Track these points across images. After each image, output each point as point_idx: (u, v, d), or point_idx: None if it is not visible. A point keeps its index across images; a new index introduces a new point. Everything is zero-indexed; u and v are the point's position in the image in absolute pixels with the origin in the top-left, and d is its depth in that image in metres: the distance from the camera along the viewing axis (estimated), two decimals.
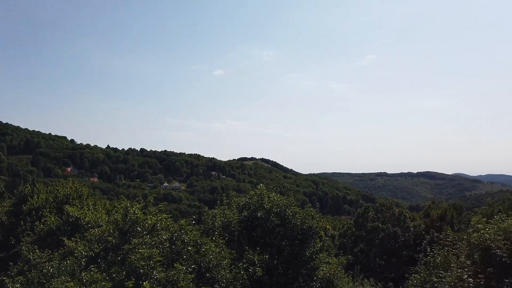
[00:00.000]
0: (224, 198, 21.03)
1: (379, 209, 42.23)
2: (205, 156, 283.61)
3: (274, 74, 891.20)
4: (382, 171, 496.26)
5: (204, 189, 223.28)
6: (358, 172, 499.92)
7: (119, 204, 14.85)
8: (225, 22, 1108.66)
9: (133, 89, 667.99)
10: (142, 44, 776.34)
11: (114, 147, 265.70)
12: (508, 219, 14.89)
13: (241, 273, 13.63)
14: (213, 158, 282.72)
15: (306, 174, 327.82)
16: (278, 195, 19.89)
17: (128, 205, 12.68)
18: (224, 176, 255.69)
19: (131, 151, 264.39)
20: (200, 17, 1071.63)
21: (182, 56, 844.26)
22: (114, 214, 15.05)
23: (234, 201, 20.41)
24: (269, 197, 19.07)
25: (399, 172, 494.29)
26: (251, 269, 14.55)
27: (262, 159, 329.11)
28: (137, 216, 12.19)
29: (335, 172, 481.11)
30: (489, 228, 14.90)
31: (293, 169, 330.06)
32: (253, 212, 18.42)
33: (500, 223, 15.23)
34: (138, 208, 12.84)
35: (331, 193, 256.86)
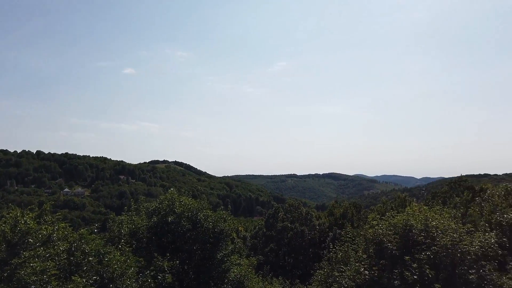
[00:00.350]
0: (133, 203, 20.06)
1: (288, 209, 44.11)
2: (112, 159, 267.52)
3: (189, 76, 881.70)
4: (292, 173, 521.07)
5: (111, 194, 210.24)
6: (270, 174, 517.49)
7: (7, 214, 13.17)
8: (135, 19, 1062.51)
9: (29, 86, 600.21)
10: (39, 36, 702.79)
11: (4, 148, 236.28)
12: (397, 216, 16.59)
13: (148, 282, 13.09)
14: (122, 161, 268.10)
15: (220, 177, 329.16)
16: (190, 198, 19.63)
17: (18, 214, 11.31)
18: (133, 180, 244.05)
19: (25, 153, 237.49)
20: (107, 11, 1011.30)
21: (87, 51, 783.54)
22: (1, 225, 13.32)
23: (144, 206, 19.62)
24: (180, 201, 18.73)
25: (307, 174, 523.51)
26: (160, 276, 14.07)
27: (175, 162, 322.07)
28: (28, 227, 10.94)
29: (249, 174, 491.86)
30: (382, 224, 16.45)
31: (207, 172, 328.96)
32: (163, 217, 17.90)
33: (391, 219, 16.90)
34: (31, 218, 11.55)
35: (244, 195, 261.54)
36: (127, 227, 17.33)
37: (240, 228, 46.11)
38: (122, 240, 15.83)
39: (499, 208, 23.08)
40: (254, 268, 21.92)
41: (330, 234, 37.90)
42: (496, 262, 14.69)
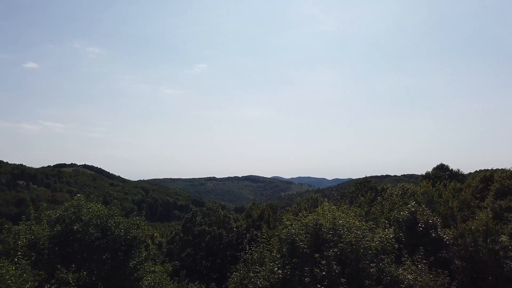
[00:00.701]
0: (32, 211, 18.24)
1: (207, 212, 43.87)
2: (9, 163, 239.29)
3: (102, 74, 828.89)
4: (212, 176, 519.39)
5: (7, 202, 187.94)
6: (189, 177, 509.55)
7: None
8: (39, 7, 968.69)
9: None
10: None
11: None
12: (308, 216, 17.48)
13: None
14: (21, 164, 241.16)
15: (136, 181, 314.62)
16: (100, 205, 18.48)
17: None
18: (35, 186, 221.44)
19: None
20: None
21: None
22: None
23: (45, 214, 17.97)
24: (88, 208, 17.53)
25: (227, 177, 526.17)
26: None
27: (85, 166, 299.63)
28: None
29: (167, 178, 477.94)
30: (294, 224, 17.20)
31: (121, 176, 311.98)
32: (68, 225, 16.58)
33: (303, 219, 17.74)
34: None
35: (161, 199, 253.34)
36: (25, 237, 15.73)
37: (155, 234, 44.55)
38: (19, 253, 14.32)
39: (397, 206, 25.70)
40: (169, 275, 21.31)
41: (247, 235, 38.51)
42: (393, 255, 16.29)
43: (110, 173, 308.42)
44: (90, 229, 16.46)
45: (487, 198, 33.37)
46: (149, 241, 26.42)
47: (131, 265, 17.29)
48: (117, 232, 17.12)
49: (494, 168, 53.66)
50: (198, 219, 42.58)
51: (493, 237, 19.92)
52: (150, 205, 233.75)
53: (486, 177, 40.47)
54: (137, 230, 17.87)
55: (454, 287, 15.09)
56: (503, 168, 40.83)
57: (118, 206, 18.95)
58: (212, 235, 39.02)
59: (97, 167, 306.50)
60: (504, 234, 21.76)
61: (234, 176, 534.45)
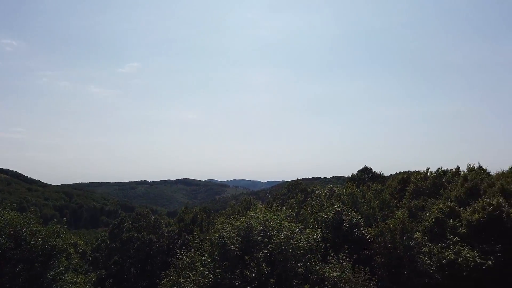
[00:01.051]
0: None
1: (136, 218, 42.17)
2: None
3: (19, 69, 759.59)
4: (143, 179, 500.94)
5: None
6: (118, 181, 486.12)
7: None
8: None
9: None
10: None
11: None
12: (240, 218, 17.59)
13: None
14: None
15: (58, 186, 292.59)
16: (13, 212, 16.87)
17: None
18: None
19: None
20: None
21: None
22: None
23: None
24: None
25: (159, 180, 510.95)
26: None
27: None
28: None
29: (93, 182, 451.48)
30: (226, 227, 17.19)
31: (41, 180, 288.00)
32: None
33: (235, 222, 17.81)
34: None
35: (87, 204, 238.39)
36: None
37: (79, 242, 41.76)
38: None
39: (324, 206, 26.94)
40: (93, 285, 20.10)
41: (179, 240, 37.71)
42: (320, 254, 17.00)
43: (28, 177, 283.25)
44: (1, 239, 14.96)
45: (404, 198, 36.33)
46: (71, 250, 24.65)
47: (49, 276, 16.08)
48: (33, 241, 15.79)
49: (411, 170, 58.72)
50: (126, 225, 40.74)
51: (408, 234, 21.69)
52: (74, 211, 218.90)
53: (404, 179, 43.98)
54: (57, 238, 16.67)
55: (374, 282, 16.14)
56: (419, 170, 44.67)
57: (36, 213, 17.50)
58: (141, 241, 37.56)
59: (12, 171, 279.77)
60: (418, 231, 23.83)
61: (167, 180, 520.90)
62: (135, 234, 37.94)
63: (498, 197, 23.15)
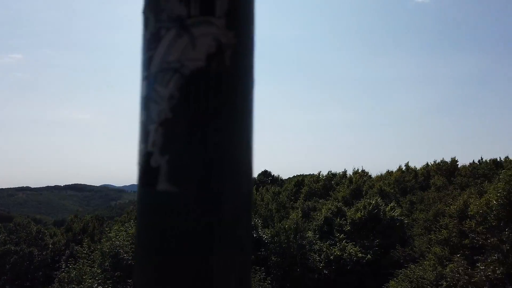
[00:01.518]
0: None
1: (14, 229, 37.24)
2: None
3: None
4: (25, 185, 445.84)
5: None
6: None
7: None
8: None
9: None
10: None
11: None
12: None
13: None
14: None
15: None
16: None
17: None
18: None
19: None
20: None
21: None
22: None
23: None
24: None
25: (45, 186, 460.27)
26: None
27: None
28: None
29: None
30: (119, 235, 16.21)
31: None
32: None
33: (129, 229, 16.90)
34: None
35: None
36: None
37: None
38: None
39: None
40: None
41: (66, 252, 34.36)
42: None
43: None
44: None
45: (299, 199, 38.70)
46: None
47: None
48: None
49: (306, 174, 62.85)
50: (1, 237, 35.71)
51: (301, 233, 23.11)
52: None
53: (299, 181, 46.85)
54: None
55: (269, 281, 16.77)
56: (312, 173, 48.09)
57: None
58: (20, 255, 33.25)
59: None
60: (310, 230, 25.54)
61: (55, 185, 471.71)
62: (12, 248, 33.44)
63: (377, 197, 26.10)
